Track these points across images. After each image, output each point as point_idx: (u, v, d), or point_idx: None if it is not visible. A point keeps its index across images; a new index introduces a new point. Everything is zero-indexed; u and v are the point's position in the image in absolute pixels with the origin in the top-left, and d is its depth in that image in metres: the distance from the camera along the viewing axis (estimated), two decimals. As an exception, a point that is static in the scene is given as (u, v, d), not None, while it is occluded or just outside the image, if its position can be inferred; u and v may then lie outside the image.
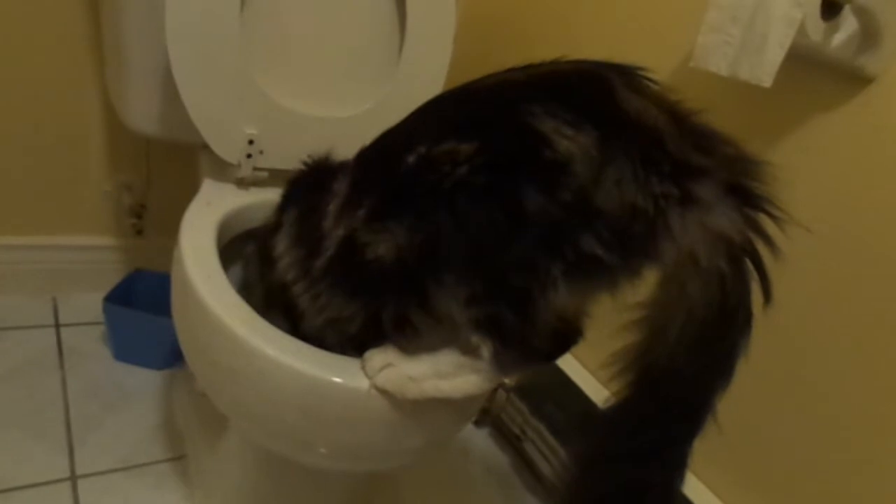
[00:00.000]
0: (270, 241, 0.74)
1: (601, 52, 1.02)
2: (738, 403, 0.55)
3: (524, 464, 1.16)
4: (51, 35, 1.09)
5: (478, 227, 0.55)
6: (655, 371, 0.54)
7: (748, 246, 0.52)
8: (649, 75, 0.58)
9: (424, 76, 1.05)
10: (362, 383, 0.64)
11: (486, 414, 1.21)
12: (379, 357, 0.65)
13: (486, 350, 0.59)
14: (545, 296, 0.55)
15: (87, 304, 1.21)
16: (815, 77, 0.75)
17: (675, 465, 0.56)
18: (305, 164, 0.80)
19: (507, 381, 1.14)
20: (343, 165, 0.74)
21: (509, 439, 1.20)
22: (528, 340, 0.58)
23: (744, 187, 0.53)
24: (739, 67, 0.72)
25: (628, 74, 0.58)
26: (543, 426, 1.11)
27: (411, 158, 0.60)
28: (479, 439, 1.21)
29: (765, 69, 0.69)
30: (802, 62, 0.74)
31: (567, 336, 0.64)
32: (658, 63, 0.91)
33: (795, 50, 0.69)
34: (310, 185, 0.75)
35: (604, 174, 0.52)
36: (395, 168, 0.62)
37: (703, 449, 0.55)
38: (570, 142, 0.53)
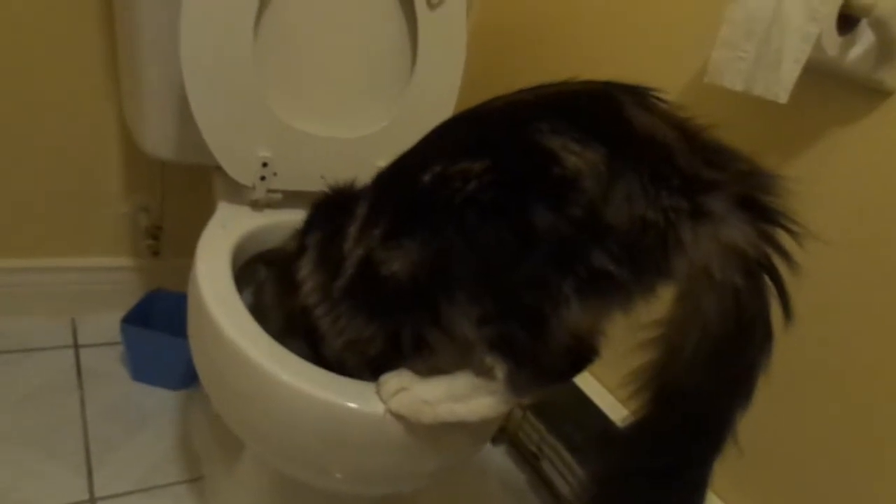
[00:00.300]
0: (294, 265, 0.73)
1: (613, 66, 1.03)
2: (754, 417, 0.53)
3: (541, 482, 1.15)
4: (68, 60, 1.10)
5: (487, 244, 0.55)
6: (672, 390, 0.53)
7: (764, 260, 0.52)
8: (660, 94, 0.58)
9: (436, 95, 1.05)
10: (377, 408, 0.63)
11: (503, 432, 1.20)
12: (394, 381, 0.64)
13: (500, 371, 0.58)
14: (558, 314, 0.54)
15: (106, 324, 1.22)
16: (832, 92, 0.74)
17: (695, 486, 0.55)
18: (329, 188, 0.80)
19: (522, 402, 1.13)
20: (365, 189, 0.74)
21: (526, 457, 1.18)
22: (542, 360, 0.58)
23: (757, 201, 0.53)
24: (754, 83, 0.71)
25: (638, 93, 0.58)
26: (560, 444, 1.10)
27: (426, 177, 0.60)
28: (496, 457, 1.20)
29: (780, 85, 0.68)
30: (819, 77, 0.72)
31: (582, 355, 0.64)
32: (671, 78, 0.92)
33: (811, 64, 0.68)
34: (332, 208, 0.76)
35: (613, 190, 0.52)
36: (410, 187, 0.63)
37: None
38: (578, 158, 0.53)
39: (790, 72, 0.68)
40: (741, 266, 0.51)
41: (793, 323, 0.52)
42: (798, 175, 0.76)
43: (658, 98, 0.58)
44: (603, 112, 0.56)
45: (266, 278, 0.81)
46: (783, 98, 0.69)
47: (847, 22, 0.68)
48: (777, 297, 0.52)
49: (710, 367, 0.52)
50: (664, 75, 0.93)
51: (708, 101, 0.87)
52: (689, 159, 0.53)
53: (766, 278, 0.52)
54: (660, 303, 0.56)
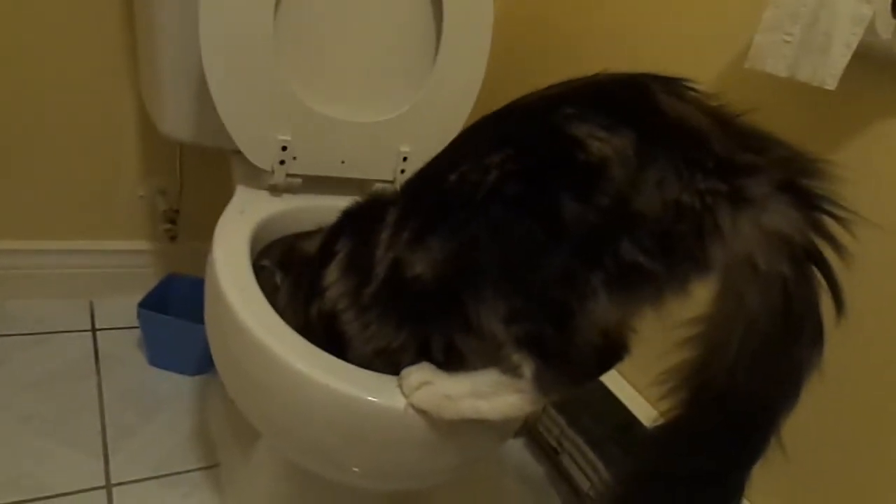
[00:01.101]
0: (318, 271, 0.72)
1: (649, 50, 0.99)
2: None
3: (560, 477, 1.13)
4: (86, 42, 1.09)
5: (512, 237, 0.53)
6: (713, 389, 0.50)
7: (812, 248, 0.48)
8: (692, 83, 0.55)
9: (460, 79, 1.02)
10: (398, 402, 0.61)
11: (522, 424, 1.18)
12: (416, 375, 0.62)
13: (527, 369, 0.56)
14: (585, 308, 0.52)
15: (124, 308, 1.22)
16: (884, 79, 0.70)
17: (732, 492, 0.52)
18: (361, 196, 0.78)
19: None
20: (396, 195, 0.72)
21: (545, 451, 1.16)
22: (570, 358, 0.55)
23: (800, 185, 0.49)
24: (799, 68, 0.67)
25: (669, 82, 0.55)
26: (581, 438, 1.08)
27: (452, 177, 0.58)
28: (514, 450, 1.18)
29: (829, 70, 0.65)
30: (869, 62, 0.68)
31: (611, 353, 0.61)
32: (710, 63, 0.88)
33: (862, 48, 0.64)
34: (364, 215, 0.74)
35: (643, 176, 0.49)
36: (436, 189, 0.61)
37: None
38: (604, 144, 0.50)
39: (840, 56, 0.64)
40: (788, 254, 0.47)
41: (845, 316, 0.48)
42: (844, 166, 0.74)
43: (690, 87, 0.55)
44: (632, 98, 0.54)
45: (282, 283, 0.79)
46: (831, 84, 0.65)
47: (902, 3, 0.64)
48: (828, 289, 0.48)
49: (755, 367, 0.48)
50: (703, 60, 0.89)
51: (749, 88, 0.83)
52: (725, 143, 0.50)
53: (815, 268, 0.48)
54: (698, 299, 0.52)
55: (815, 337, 0.49)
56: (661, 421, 0.53)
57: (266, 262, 0.81)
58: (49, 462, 0.93)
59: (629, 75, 0.57)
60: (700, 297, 0.52)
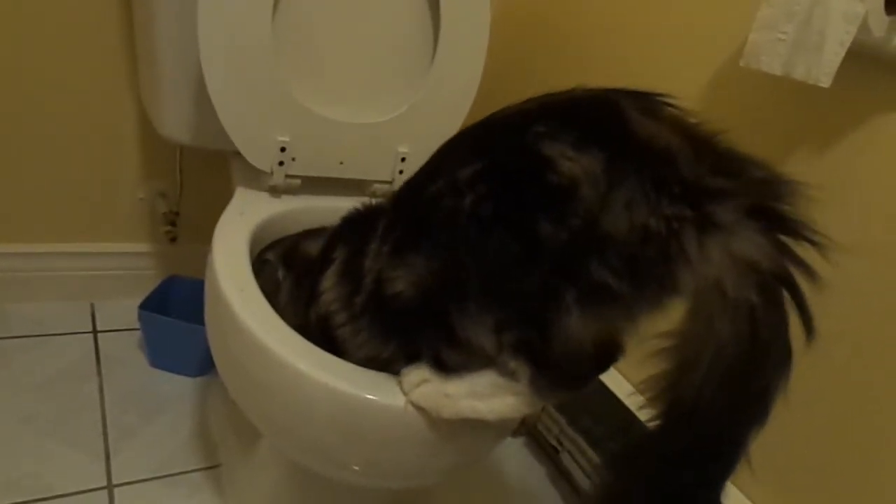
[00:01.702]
0: (316, 277, 0.72)
1: (644, 48, 1.00)
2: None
3: (561, 476, 1.13)
4: (86, 45, 1.09)
5: (492, 255, 0.54)
6: (684, 406, 0.50)
7: (782, 274, 0.48)
8: (668, 100, 0.55)
9: (458, 79, 1.02)
10: (397, 401, 0.62)
11: (522, 424, 1.18)
12: (416, 373, 0.63)
13: (523, 374, 0.57)
14: (560, 324, 0.52)
15: (124, 310, 1.22)
16: (878, 76, 0.70)
17: None
18: (361, 203, 0.79)
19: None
20: (387, 203, 0.73)
21: (545, 450, 1.17)
22: (562, 365, 0.56)
23: (772, 210, 0.49)
24: (794, 66, 0.68)
25: (643, 99, 0.55)
26: (581, 438, 1.08)
27: (430, 190, 0.59)
28: (515, 450, 1.18)
29: (823, 68, 0.65)
30: (863, 60, 0.69)
31: (606, 355, 0.61)
32: (705, 61, 0.89)
33: (855, 46, 0.64)
34: (360, 223, 0.74)
35: (612, 197, 0.49)
36: (415, 202, 0.62)
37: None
38: (574, 163, 0.50)
39: (834, 54, 0.64)
40: (756, 281, 0.47)
41: (815, 341, 0.48)
42: (838, 165, 0.74)
43: (667, 103, 0.55)
44: (602, 117, 0.54)
45: (284, 279, 0.79)
46: (825, 82, 0.65)
47: (895, 2, 0.65)
48: (798, 314, 0.48)
49: (722, 388, 0.48)
50: (698, 58, 0.90)
51: (744, 86, 0.84)
52: (694, 166, 0.49)
53: (785, 293, 0.48)
54: (674, 312, 0.52)
55: (783, 361, 0.49)
56: (637, 435, 0.54)
57: (270, 257, 0.81)
58: (50, 463, 0.93)
59: (603, 92, 0.57)
60: (679, 308, 0.52)
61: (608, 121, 0.53)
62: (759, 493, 0.83)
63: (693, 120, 0.54)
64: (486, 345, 0.57)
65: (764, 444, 0.50)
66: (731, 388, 0.48)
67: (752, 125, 0.84)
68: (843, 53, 0.64)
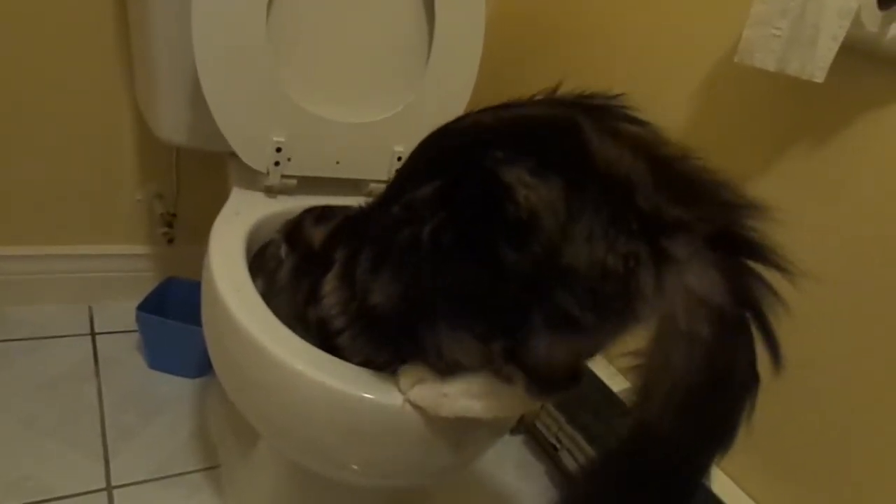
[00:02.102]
0: (319, 277, 0.72)
1: (639, 45, 1.00)
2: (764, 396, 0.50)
3: (560, 473, 1.13)
4: (82, 47, 1.09)
5: (456, 281, 0.54)
6: (645, 429, 0.50)
7: (741, 303, 0.47)
8: (632, 114, 0.54)
9: (454, 78, 1.02)
10: (394, 400, 0.62)
11: (521, 422, 1.18)
12: (413, 372, 0.63)
13: (518, 378, 0.57)
14: (529, 345, 0.52)
15: (123, 312, 1.22)
16: (871, 71, 0.70)
17: None
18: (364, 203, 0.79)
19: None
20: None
21: (544, 448, 1.17)
22: (550, 374, 0.56)
23: (734, 235, 0.48)
24: (788, 62, 0.68)
25: (606, 116, 0.54)
26: (579, 435, 1.08)
27: (393, 211, 0.59)
28: (513, 447, 1.18)
29: (817, 63, 0.65)
30: (857, 55, 0.69)
31: (577, 373, 0.61)
32: (700, 58, 0.89)
33: (849, 41, 0.65)
34: (359, 225, 0.74)
35: (572, 229, 0.49)
36: (384, 216, 0.62)
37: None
38: (532, 192, 0.49)
39: (827, 49, 0.64)
40: (707, 315, 0.46)
41: (782, 370, 0.48)
42: (832, 160, 0.74)
43: (632, 119, 0.54)
44: (562, 140, 0.52)
45: (287, 258, 0.79)
46: (819, 77, 0.65)
47: (888, -4, 0.65)
48: (764, 341, 0.47)
49: (681, 417, 0.48)
50: (692, 55, 0.90)
51: (738, 83, 0.84)
52: (652, 197, 0.48)
53: (750, 322, 0.47)
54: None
55: (745, 388, 0.48)
56: (599, 455, 0.54)
57: (274, 235, 0.82)
58: (50, 464, 0.93)
59: (563, 109, 0.56)
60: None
61: (567, 145, 0.52)
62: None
63: (657, 138, 0.53)
64: (464, 359, 0.57)
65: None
66: (690, 417, 0.48)
67: (746, 121, 0.84)
68: (836, 48, 0.64)
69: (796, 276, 0.47)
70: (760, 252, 0.48)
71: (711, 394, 0.48)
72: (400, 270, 0.58)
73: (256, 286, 0.74)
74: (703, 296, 0.46)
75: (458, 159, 0.57)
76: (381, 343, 0.65)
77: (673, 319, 0.47)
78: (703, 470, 0.50)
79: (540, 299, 0.51)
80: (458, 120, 0.61)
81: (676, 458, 0.49)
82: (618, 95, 0.55)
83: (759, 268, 0.48)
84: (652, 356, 0.49)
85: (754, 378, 0.48)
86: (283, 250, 0.80)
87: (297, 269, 0.78)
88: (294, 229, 0.82)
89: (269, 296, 0.73)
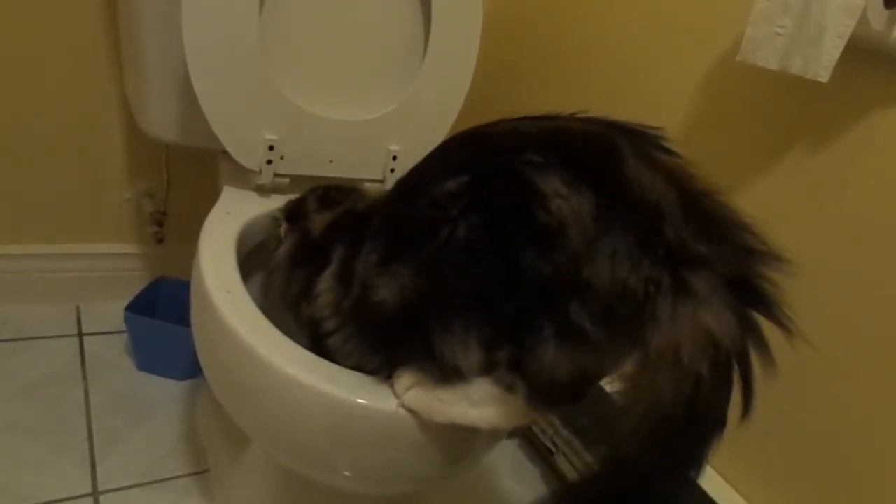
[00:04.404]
0: (316, 276, 0.71)
1: (640, 44, 0.98)
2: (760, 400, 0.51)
3: (556, 477, 1.12)
4: (70, 44, 1.08)
5: (476, 280, 0.54)
6: (617, 451, 0.51)
7: (740, 352, 0.48)
8: (667, 144, 0.55)
9: (450, 76, 1.01)
10: (388, 405, 0.60)
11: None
12: (408, 375, 0.61)
13: (520, 388, 0.56)
14: (536, 355, 0.52)
15: (111, 312, 1.20)
16: (877, 70, 0.69)
17: None
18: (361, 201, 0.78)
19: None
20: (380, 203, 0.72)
21: (540, 452, 1.15)
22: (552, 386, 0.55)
23: (749, 284, 0.49)
24: (791, 61, 0.67)
25: (642, 142, 0.54)
26: (575, 439, 1.07)
27: (421, 201, 0.58)
28: (509, 451, 1.17)
29: (821, 62, 0.64)
30: (862, 54, 0.68)
31: (579, 389, 0.60)
32: (701, 57, 0.88)
33: (854, 40, 0.63)
34: (357, 222, 0.73)
35: (598, 246, 0.49)
36: (405, 210, 0.61)
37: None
38: (564, 202, 0.50)
39: (832, 47, 0.63)
40: (712, 356, 0.47)
41: (748, 421, 0.49)
42: (837, 162, 0.73)
43: (666, 149, 0.54)
44: (599, 157, 0.53)
45: (286, 236, 0.78)
46: (824, 77, 0.64)
47: (894, -6, 0.64)
48: (741, 392, 0.49)
49: (647, 442, 0.49)
50: (694, 54, 0.89)
51: (740, 83, 0.83)
52: (680, 228, 0.49)
53: (736, 370, 0.48)
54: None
55: (711, 433, 0.49)
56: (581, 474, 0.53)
57: (277, 214, 0.81)
58: (35, 469, 0.91)
59: (603, 128, 0.56)
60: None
61: (604, 162, 0.53)
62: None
63: (689, 171, 0.53)
64: (464, 364, 0.56)
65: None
66: (660, 445, 0.49)
67: (749, 122, 0.83)
68: (842, 46, 0.63)
69: (795, 338, 0.48)
70: (770, 306, 0.49)
71: (685, 428, 0.48)
72: (416, 265, 0.56)
73: (251, 281, 0.72)
74: (715, 335, 0.47)
75: (494, 160, 0.56)
76: (376, 345, 0.64)
77: (675, 350, 0.47)
78: (668, 499, 0.51)
79: (554, 310, 0.51)
80: (494, 124, 0.61)
81: (640, 485, 0.50)
82: (656, 127, 0.56)
83: (762, 321, 0.49)
84: (636, 378, 0.50)
85: (724, 422, 0.49)
86: (283, 228, 0.79)
87: (293, 254, 0.77)
88: (295, 208, 0.81)
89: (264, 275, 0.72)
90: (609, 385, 0.84)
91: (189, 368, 1.13)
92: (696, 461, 0.49)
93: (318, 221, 0.77)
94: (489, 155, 0.57)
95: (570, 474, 1.07)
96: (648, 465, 0.50)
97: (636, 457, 0.49)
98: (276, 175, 0.92)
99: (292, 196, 0.86)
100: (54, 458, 0.93)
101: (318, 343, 0.67)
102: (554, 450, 1.10)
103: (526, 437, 1.18)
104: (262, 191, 0.93)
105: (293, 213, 0.80)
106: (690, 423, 0.48)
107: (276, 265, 0.76)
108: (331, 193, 0.81)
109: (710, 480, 0.85)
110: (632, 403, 0.50)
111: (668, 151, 0.54)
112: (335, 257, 0.70)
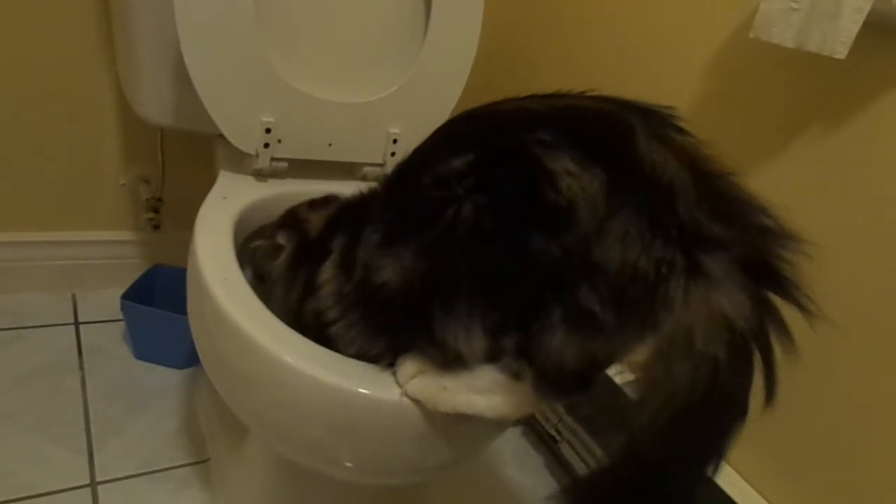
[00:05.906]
0: (317, 269, 0.69)
1: (651, 20, 0.96)
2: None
3: (559, 465, 1.11)
4: (63, 29, 1.05)
5: (483, 262, 0.52)
6: (635, 443, 0.49)
7: (758, 333, 0.47)
8: (680, 124, 0.53)
9: (451, 58, 0.98)
10: (390, 395, 0.59)
11: (519, 413, 1.16)
12: (412, 363, 0.60)
13: (528, 376, 0.54)
14: (543, 341, 0.51)
15: (107, 300, 1.19)
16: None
17: None
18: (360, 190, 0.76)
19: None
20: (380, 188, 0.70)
21: (543, 440, 1.14)
22: (560, 372, 0.53)
23: (761, 266, 0.47)
24: (808, 38, 0.64)
25: (655, 121, 0.53)
26: (580, 427, 1.06)
27: (424, 180, 0.56)
28: (513, 439, 1.16)
29: (839, 38, 0.62)
30: (881, 30, 0.65)
31: (587, 375, 0.58)
32: (714, 34, 0.85)
33: (872, 17, 0.61)
34: (356, 210, 0.71)
35: (608, 227, 0.48)
36: (409, 189, 0.60)
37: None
38: (574, 181, 0.48)
39: (851, 22, 0.61)
40: (727, 338, 0.46)
41: (772, 406, 0.47)
42: (854, 142, 0.71)
43: (679, 128, 0.53)
44: (611, 136, 0.52)
45: (287, 242, 0.76)
46: (842, 53, 0.62)
47: (916, -34, 0.61)
48: (764, 376, 0.47)
49: (668, 432, 0.47)
50: (706, 30, 0.86)
51: (754, 60, 0.80)
52: (693, 208, 0.48)
53: (756, 353, 0.47)
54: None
55: (734, 419, 0.47)
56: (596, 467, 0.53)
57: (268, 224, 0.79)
58: (32, 460, 0.90)
59: (615, 106, 0.54)
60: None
61: (615, 141, 0.51)
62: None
63: (703, 151, 0.52)
64: (467, 350, 0.55)
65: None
66: (679, 435, 0.47)
67: (763, 100, 0.80)
68: (861, 21, 0.60)
69: (816, 318, 0.47)
70: (788, 287, 0.48)
71: (705, 417, 0.47)
72: (420, 245, 0.55)
73: (245, 275, 0.70)
74: (729, 318, 0.46)
75: (501, 138, 0.55)
76: (379, 331, 0.62)
77: (689, 334, 0.46)
78: (686, 494, 0.49)
79: (563, 293, 0.49)
80: (500, 103, 0.59)
81: (660, 477, 0.49)
82: (669, 106, 0.54)
83: (781, 303, 0.48)
84: (653, 367, 0.48)
85: (745, 409, 0.47)
86: (282, 238, 0.77)
87: (294, 258, 0.75)
88: (289, 218, 0.79)
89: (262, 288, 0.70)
90: (619, 376, 0.82)
91: (188, 357, 1.12)
92: (716, 453, 0.48)
93: (316, 220, 0.75)
94: (496, 133, 0.56)
95: (575, 463, 1.06)
96: (665, 458, 0.48)
97: (652, 450, 0.48)
98: (273, 159, 0.90)
99: (290, 180, 0.84)
100: (51, 448, 0.92)
101: (320, 336, 0.65)
102: (558, 438, 1.09)
103: (529, 424, 1.17)
104: (260, 175, 0.91)
105: (287, 222, 0.78)
106: (709, 412, 0.47)
107: (276, 278, 0.74)
108: (318, 199, 0.79)
109: (725, 476, 0.83)
110: (647, 394, 0.48)
111: (681, 131, 0.53)
112: (335, 247, 0.68)
